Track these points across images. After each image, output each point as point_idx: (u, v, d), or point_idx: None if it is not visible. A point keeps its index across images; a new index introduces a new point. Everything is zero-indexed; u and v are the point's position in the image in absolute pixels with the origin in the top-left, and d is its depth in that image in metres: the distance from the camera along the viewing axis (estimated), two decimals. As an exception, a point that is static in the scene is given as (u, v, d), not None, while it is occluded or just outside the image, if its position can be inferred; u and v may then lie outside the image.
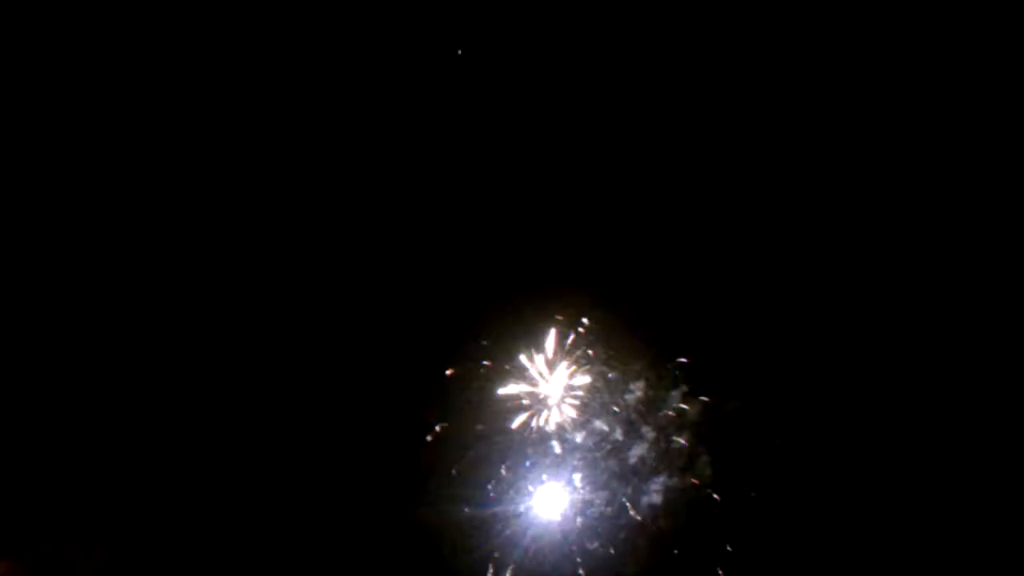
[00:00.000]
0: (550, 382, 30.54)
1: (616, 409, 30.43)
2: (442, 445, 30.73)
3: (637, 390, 30.51)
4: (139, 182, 32.00)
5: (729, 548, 29.36)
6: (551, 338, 30.39)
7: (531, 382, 30.54)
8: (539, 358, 30.79)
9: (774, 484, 29.82)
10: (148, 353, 31.53)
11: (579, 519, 30.27)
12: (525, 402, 30.51)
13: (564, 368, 30.50)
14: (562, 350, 30.42)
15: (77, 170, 31.74)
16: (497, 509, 30.39)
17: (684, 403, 30.50)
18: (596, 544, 29.99)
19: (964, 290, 29.94)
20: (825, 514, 29.62)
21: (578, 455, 30.56)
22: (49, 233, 31.30)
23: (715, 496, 29.66)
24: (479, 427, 30.69)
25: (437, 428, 30.50)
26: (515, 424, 30.38)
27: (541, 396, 30.62)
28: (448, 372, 30.66)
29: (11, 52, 30.41)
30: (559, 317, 30.37)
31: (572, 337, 30.60)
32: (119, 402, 31.25)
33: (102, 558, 30.16)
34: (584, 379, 30.46)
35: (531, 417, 30.50)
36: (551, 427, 30.59)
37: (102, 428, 31.04)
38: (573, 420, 30.64)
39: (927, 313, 30.23)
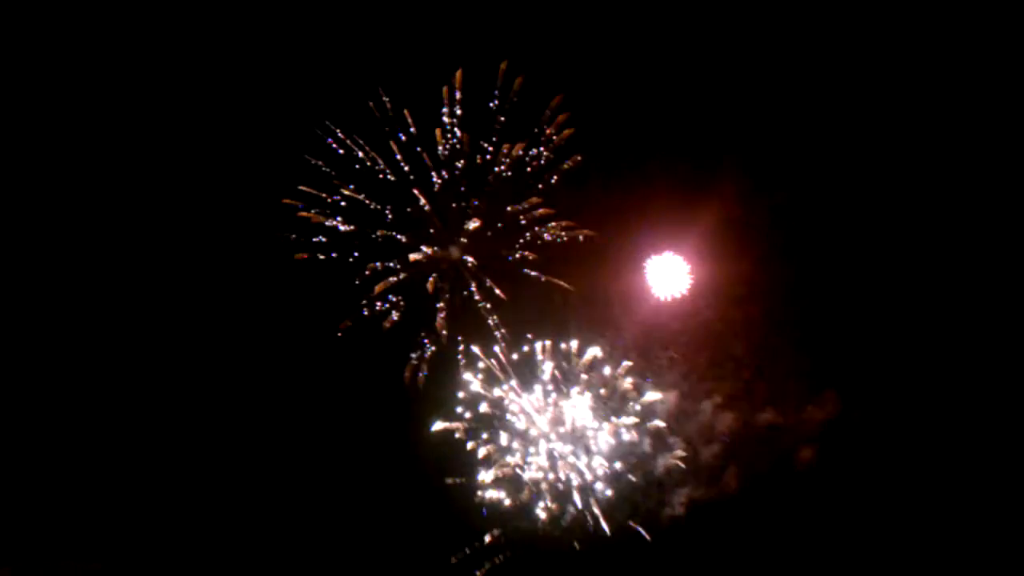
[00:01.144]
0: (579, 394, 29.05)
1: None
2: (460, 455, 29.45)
3: (667, 400, 29.32)
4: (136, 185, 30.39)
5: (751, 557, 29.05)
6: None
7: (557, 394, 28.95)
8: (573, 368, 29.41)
9: (800, 495, 29.49)
10: (143, 376, 30.79)
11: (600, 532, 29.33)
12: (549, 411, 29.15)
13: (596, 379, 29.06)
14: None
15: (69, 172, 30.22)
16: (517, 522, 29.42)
17: (715, 414, 29.43)
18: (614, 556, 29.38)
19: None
20: (853, 522, 29.60)
21: (602, 466, 29.37)
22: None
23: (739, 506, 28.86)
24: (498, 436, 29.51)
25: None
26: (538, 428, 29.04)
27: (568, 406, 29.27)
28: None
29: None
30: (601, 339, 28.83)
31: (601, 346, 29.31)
32: (116, 423, 30.76)
33: (98, 572, 29.60)
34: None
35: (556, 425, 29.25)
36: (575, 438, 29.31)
37: (99, 447, 30.56)
38: (597, 431, 29.38)
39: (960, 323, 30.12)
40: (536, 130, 26.34)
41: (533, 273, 27.62)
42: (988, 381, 29.65)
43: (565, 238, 27.16)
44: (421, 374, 27.94)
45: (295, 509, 30.27)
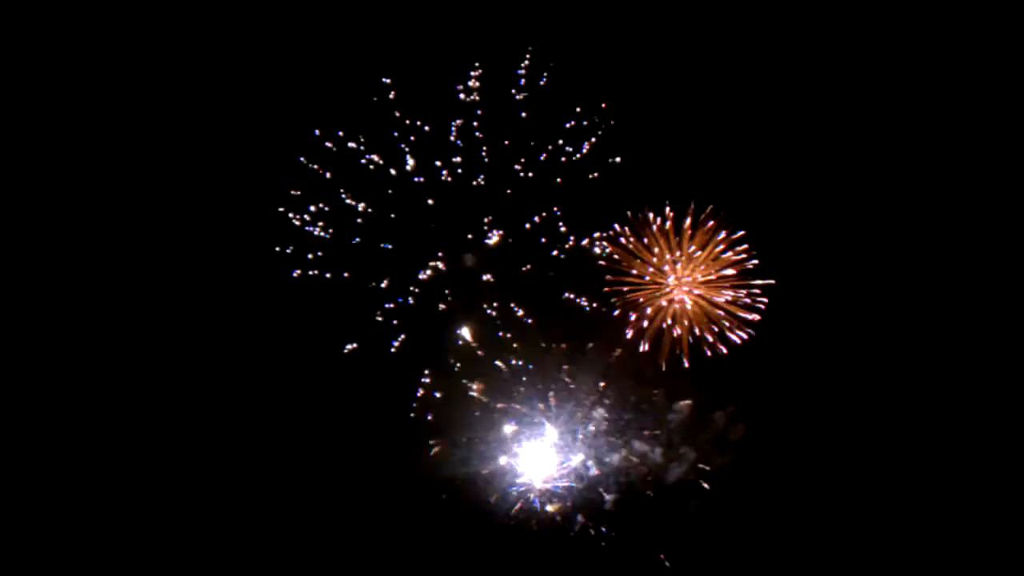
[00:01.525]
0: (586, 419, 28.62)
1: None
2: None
3: (681, 411, 28.86)
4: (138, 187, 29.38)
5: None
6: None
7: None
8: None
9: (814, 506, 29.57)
10: (140, 389, 30.25)
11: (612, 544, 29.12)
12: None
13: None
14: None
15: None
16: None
17: (728, 424, 29.03)
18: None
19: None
20: (866, 536, 29.79)
21: (612, 477, 28.98)
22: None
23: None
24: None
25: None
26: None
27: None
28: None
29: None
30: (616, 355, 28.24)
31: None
32: (111, 440, 30.45)
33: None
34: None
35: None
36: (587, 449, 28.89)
37: (98, 460, 30.36)
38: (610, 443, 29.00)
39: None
40: (562, 132, 24.60)
41: (552, 290, 26.47)
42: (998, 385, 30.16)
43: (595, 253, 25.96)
44: (431, 401, 26.96)
45: (295, 530, 30.12)
